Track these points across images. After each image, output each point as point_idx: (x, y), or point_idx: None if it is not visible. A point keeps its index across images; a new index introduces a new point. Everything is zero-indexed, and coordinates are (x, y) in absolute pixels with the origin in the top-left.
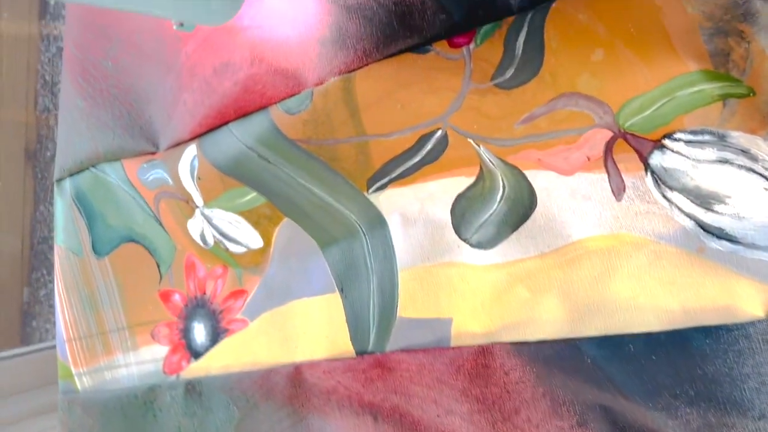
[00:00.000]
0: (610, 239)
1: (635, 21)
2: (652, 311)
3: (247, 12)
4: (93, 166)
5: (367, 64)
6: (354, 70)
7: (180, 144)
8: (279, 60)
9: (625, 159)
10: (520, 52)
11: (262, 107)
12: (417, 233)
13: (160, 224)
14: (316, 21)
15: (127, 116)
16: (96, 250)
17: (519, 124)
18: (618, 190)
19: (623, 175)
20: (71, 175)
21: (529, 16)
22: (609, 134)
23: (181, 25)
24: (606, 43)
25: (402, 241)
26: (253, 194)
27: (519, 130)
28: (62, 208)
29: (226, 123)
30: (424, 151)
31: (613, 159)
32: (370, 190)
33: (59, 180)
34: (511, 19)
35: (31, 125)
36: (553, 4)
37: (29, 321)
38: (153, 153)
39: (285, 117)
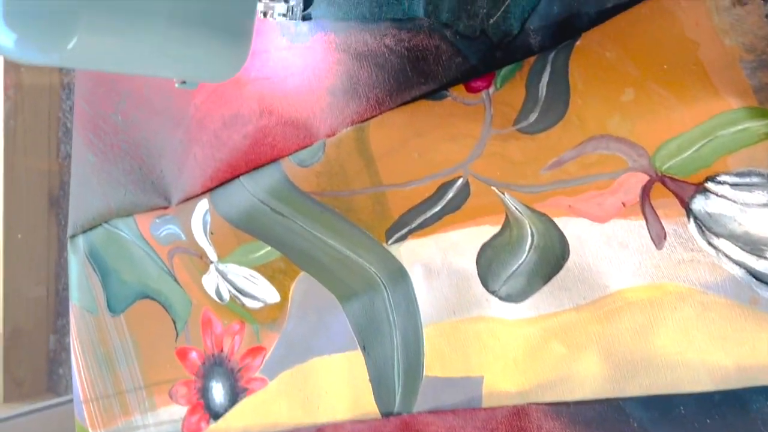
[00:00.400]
0: (651, 290)
1: (668, 57)
2: (703, 368)
3: (253, 64)
4: (106, 222)
5: (380, 113)
6: (367, 119)
7: (192, 198)
8: (288, 111)
9: (665, 204)
10: (544, 94)
11: (274, 160)
12: (441, 286)
13: (175, 280)
14: (325, 70)
15: (138, 171)
16: (111, 308)
17: (546, 170)
18: (658, 237)
19: (663, 222)
20: (84, 231)
21: (552, 56)
22: (645, 178)
23: (184, 82)
24: (637, 82)
25: (426, 295)
26: (268, 248)
27: (546, 176)
28: (76, 265)
29: (237, 176)
30: (444, 200)
31: (650, 204)
32: (390, 242)
33: (72, 237)
34: (532, 59)
35: (54, 172)
36: (577, 43)
37: (56, 368)
38: (165, 208)
39: (297, 169)
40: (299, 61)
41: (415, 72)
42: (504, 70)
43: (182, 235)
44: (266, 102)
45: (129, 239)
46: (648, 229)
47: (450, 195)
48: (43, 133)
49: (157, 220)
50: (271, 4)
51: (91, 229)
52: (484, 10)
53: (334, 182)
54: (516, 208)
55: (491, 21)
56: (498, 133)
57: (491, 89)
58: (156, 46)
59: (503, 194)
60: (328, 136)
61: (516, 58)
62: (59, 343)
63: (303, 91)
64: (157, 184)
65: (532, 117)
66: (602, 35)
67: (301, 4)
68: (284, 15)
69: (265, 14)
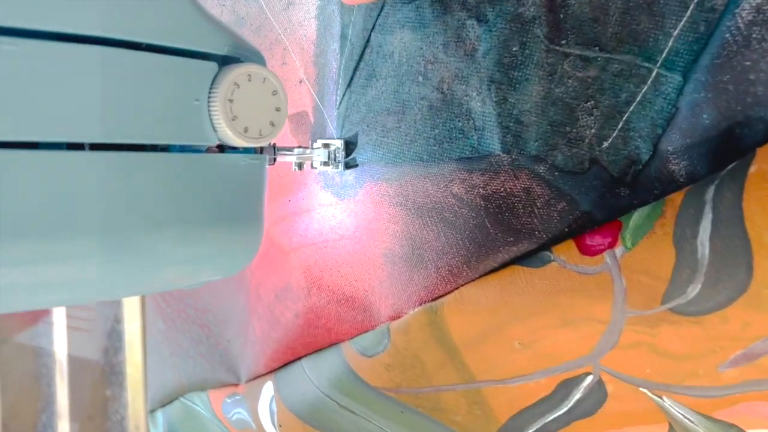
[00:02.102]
0: None
1: None
2: None
3: (295, 228)
4: (182, 395)
5: (456, 288)
6: (440, 296)
7: (257, 378)
8: (340, 286)
9: None
10: (707, 254)
11: (333, 343)
12: None
13: None
14: (379, 231)
15: (205, 341)
16: None
17: (727, 366)
18: None
19: None
20: (162, 406)
21: (711, 191)
22: None
23: None
24: None
25: None
26: None
27: (729, 374)
28: None
29: (298, 358)
30: (570, 402)
31: None
32: None
33: (152, 411)
34: (678, 199)
35: None
36: (751, 168)
37: None
38: (235, 385)
39: (361, 360)
40: (348, 220)
41: (499, 228)
42: (635, 218)
43: (252, 423)
44: (313, 275)
45: (206, 416)
46: None
47: (577, 396)
48: None
49: (228, 400)
50: (308, 153)
51: (169, 402)
52: (592, 131)
53: (411, 377)
54: (685, 417)
55: (605, 145)
56: (639, 314)
57: (618, 249)
58: (110, 266)
59: (661, 398)
60: (392, 318)
61: (652, 197)
62: None
63: (355, 259)
64: (225, 357)
65: (692, 291)
66: None
67: (343, 150)
68: (326, 163)
69: (300, 166)
